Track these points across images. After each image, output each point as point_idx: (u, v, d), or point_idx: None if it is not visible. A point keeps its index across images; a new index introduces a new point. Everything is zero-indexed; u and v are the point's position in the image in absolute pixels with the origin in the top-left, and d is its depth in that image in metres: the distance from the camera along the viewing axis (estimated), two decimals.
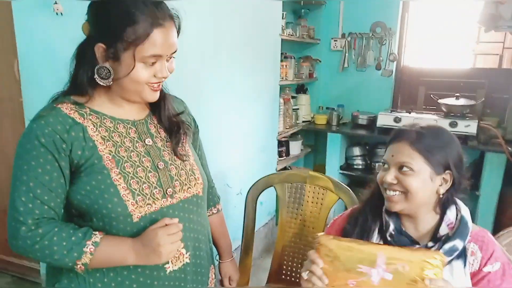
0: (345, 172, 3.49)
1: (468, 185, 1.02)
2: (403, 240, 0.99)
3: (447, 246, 0.94)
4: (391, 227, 1.01)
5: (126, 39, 0.85)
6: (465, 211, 1.00)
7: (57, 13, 1.72)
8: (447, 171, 0.97)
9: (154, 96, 0.97)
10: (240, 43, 2.44)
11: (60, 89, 0.97)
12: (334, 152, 3.44)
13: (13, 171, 0.89)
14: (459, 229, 0.96)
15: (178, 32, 0.95)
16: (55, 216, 0.91)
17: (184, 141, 1.06)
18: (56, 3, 1.71)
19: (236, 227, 1.80)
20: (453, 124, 2.94)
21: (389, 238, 1.01)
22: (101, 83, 0.91)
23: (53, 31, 1.77)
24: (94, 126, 0.93)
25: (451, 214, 0.98)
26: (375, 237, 1.03)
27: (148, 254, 0.91)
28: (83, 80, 0.91)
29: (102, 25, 0.88)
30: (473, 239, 0.98)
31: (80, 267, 0.88)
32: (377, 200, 1.06)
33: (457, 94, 3.11)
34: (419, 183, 0.94)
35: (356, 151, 3.51)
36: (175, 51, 0.94)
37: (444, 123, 2.96)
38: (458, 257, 0.95)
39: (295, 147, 3.40)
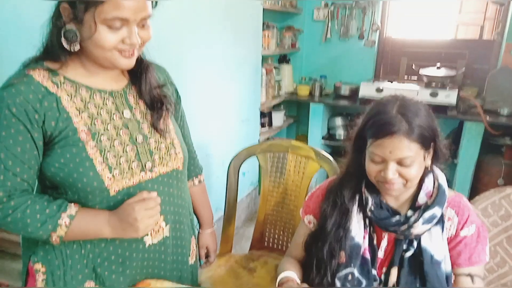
0: (327, 142, 3.51)
1: (448, 154, 1.02)
2: (383, 213, 0.99)
3: (426, 214, 0.95)
4: (371, 202, 1.00)
5: None
6: (442, 179, 1.01)
7: None
8: (431, 144, 0.97)
9: (128, 63, 0.90)
10: (221, 12, 2.37)
11: (31, 55, 0.91)
12: (317, 122, 3.45)
13: None
14: (437, 197, 0.97)
15: None
16: (28, 188, 0.88)
17: (166, 116, 1.02)
18: None
19: (219, 197, 1.80)
20: (433, 94, 2.98)
21: (369, 213, 1.01)
22: (67, 47, 0.85)
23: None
24: (68, 96, 0.88)
25: (429, 182, 0.99)
26: (355, 212, 1.02)
27: (125, 228, 0.89)
28: (54, 44, 0.86)
29: None
30: (450, 204, 1.00)
31: (55, 239, 0.87)
32: (355, 178, 1.04)
33: (438, 64, 3.13)
34: (417, 169, 0.94)
35: (338, 121, 3.53)
36: (147, 16, 0.87)
37: (425, 93, 2.99)
38: (436, 223, 0.97)
39: (278, 118, 3.39)
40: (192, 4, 2.06)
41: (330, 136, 3.58)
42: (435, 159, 0.99)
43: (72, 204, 0.89)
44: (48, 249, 0.92)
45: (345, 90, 3.43)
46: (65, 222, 0.86)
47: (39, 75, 0.86)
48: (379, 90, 3.11)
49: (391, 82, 3.24)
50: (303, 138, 3.62)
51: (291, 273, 1.02)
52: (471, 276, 0.96)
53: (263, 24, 2.96)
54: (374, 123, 0.95)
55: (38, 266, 0.93)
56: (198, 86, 2.23)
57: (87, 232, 0.89)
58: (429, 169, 0.99)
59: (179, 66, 2.01)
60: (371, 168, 0.96)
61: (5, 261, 2.26)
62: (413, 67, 3.25)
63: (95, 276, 0.94)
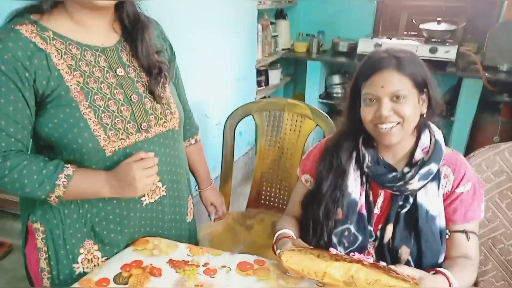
0: (324, 100, 3.49)
1: (443, 107, 1.01)
2: (380, 169, 1.00)
3: (423, 171, 0.96)
4: (368, 158, 1.00)
5: None
6: (439, 135, 1.01)
7: None
8: (425, 89, 0.96)
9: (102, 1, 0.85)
10: None
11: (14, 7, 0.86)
12: (314, 80, 3.41)
13: None
14: (434, 153, 0.97)
15: None
16: (23, 148, 0.87)
17: (164, 83, 1.00)
18: None
19: (216, 157, 1.80)
20: (433, 50, 2.92)
21: (366, 170, 1.01)
22: None
23: None
24: (58, 53, 0.85)
25: (425, 138, 0.99)
26: (352, 170, 1.02)
27: (123, 187, 0.90)
28: None
29: None
30: (447, 162, 1.01)
31: (53, 199, 0.87)
32: (352, 136, 1.04)
33: (439, 19, 3.05)
34: (412, 108, 0.93)
35: (336, 79, 3.48)
36: None
37: (425, 49, 2.93)
38: (432, 179, 0.98)
39: (275, 76, 3.34)
40: None
41: (327, 94, 3.55)
42: (430, 109, 0.98)
43: (69, 164, 0.88)
44: (46, 209, 0.93)
45: (343, 47, 3.35)
46: (63, 182, 0.86)
47: (26, 30, 0.83)
48: (378, 46, 3.04)
49: (390, 39, 3.17)
50: (300, 96, 3.58)
51: (287, 230, 1.04)
52: (466, 232, 0.97)
53: None
54: (364, 66, 0.97)
55: (37, 225, 0.94)
56: (192, 44, 2.17)
57: (85, 192, 0.90)
58: (425, 117, 0.98)
59: (172, 23, 1.94)
60: (366, 112, 0.96)
61: (6, 221, 2.30)
62: (413, 21, 3.17)
63: (94, 234, 0.96)
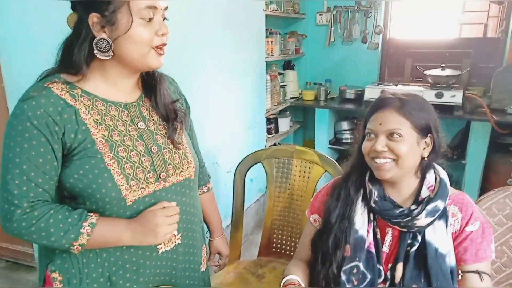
0: (334, 146, 3.52)
1: (448, 150, 1.05)
2: (387, 205, 1.02)
3: (429, 207, 0.98)
4: (375, 194, 1.03)
5: None
6: (444, 174, 1.04)
7: None
8: (429, 135, 1.00)
9: (160, 62, 0.95)
10: (223, 20, 2.41)
11: (42, 70, 0.94)
12: (323, 127, 3.46)
13: (4, 153, 0.87)
14: (439, 191, 0.99)
15: None
16: (48, 198, 0.90)
17: (180, 128, 1.06)
18: None
19: (227, 205, 1.82)
20: (439, 95, 2.97)
21: (373, 205, 1.03)
22: (101, 57, 0.89)
23: (30, 13, 1.73)
24: (86, 109, 0.91)
25: (430, 177, 1.01)
26: (359, 205, 1.05)
27: (145, 233, 0.92)
28: (80, 58, 0.89)
29: None
30: (453, 201, 1.02)
31: (77, 248, 0.89)
32: (359, 170, 1.08)
33: (443, 65, 3.13)
34: (408, 148, 0.97)
35: (345, 125, 3.53)
36: (166, 8, 0.93)
37: (430, 94, 2.98)
38: (440, 217, 0.99)
39: (284, 124, 3.40)
40: (195, 13, 2.10)
41: (337, 140, 3.59)
42: (433, 152, 1.01)
43: (92, 213, 0.91)
44: (65, 258, 0.95)
45: (350, 94, 3.44)
46: (86, 230, 0.89)
47: (57, 88, 0.89)
48: (384, 92, 3.11)
49: (396, 85, 3.24)
50: (310, 143, 3.62)
51: (295, 276, 1.03)
52: (479, 273, 0.96)
53: (266, 30, 2.99)
54: (372, 105, 1.04)
55: (55, 274, 0.95)
56: (204, 95, 2.26)
57: (107, 239, 0.92)
58: (426, 160, 1.01)
59: (184, 76, 2.04)
60: (365, 146, 1.02)
61: (20, 273, 2.31)
62: (418, 68, 3.25)
63: (110, 284, 0.96)
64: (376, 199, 1.03)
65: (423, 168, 1.02)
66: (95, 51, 0.89)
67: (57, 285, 0.95)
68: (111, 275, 0.96)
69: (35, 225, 0.87)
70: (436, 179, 1.02)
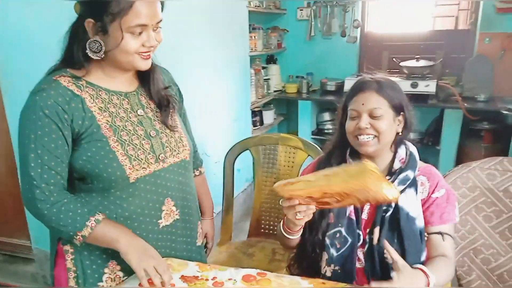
0: (317, 137, 3.66)
1: (416, 124, 1.18)
2: None
3: (401, 176, 1.12)
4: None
5: (112, 12, 0.93)
6: (413, 148, 1.19)
7: None
8: (401, 113, 1.14)
9: (146, 64, 1.04)
10: (208, 16, 2.51)
11: (38, 70, 1.04)
12: (306, 118, 3.61)
13: (20, 140, 0.98)
14: (409, 162, 1.14)
15: (162, 4, 1.03)
16: (61, 180, 1.00)
17: (172, 113, 1.16)
18: None
19: (217, 193, 1.92)
20: (414, 85, 3.14)
21: None
22: (93, 57, 0.98)
23: (27, 14, 1.80)
24: (91, 98, 1.02)
25: (402, 151, 1.16)
26: None
27: (137, 251, 0.99)
28: (78, 55, 0.99)
29: (89, 2, 0.96)
30: (422, 172, 1.17)
31: (79, 238, 0.99)
32: (340, 148, 1.21)
33: (417, 56, 3.30)
34: (387, 125, 1.10)
35: (326, 116, 3.68)
36: (160, 21, 1.01)
37: (406, 84, 3.14)
38: (410, 186, 1.13)
39: (268, 116, 3.54)
40: (180, 10, 2.19)
41: (319, 131, 3.74)
42: (406, 129, 1.16)
43: (100, 213, 1.01)
44: None
45: (331, 86, 3.58)
46: (91, 224, 0.99)
47: (64, 81, 0.99)
48: None
49: None
50: (294, 134, 3.75)
51: None
52: (441, 233, 1.10)
53: (249, 26, 3.11)
54: (352, 88, 1.17)
55: (67, 247, 1.07)
56: (191, 89, 2.35)
57: (106, 237, 1.01)
58: (401, 135, 1.15)
59: (172, 71, 2.14)
60: (349, 125, 1.14)
61: (18, 265, 2.38)
62: (394, 59, 3.41)
63: (117, 255, 1.05)
64: None
65: (397, 144, 1.16)
66: (88, 51, 0.98)
67: (69, 257, 1.06)
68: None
69: (49, 209, 0.97)
70: (406, 153, 1.16)
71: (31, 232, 2.26)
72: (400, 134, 1.16)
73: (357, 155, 1.19)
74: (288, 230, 1.12)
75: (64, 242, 1.07)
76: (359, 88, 1.14)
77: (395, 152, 1.16)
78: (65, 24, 1.01)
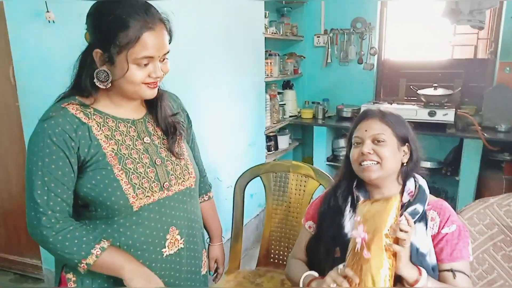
0: (331, 163, 3.62)
1: (422, 155, 1.18)
2: None
3: (409, 209, 1.09)
4: (362, 199, 1.15)
5: (119, 44, 0.94)
6: (422, 182, 1.16)
7: (49, 21, 1.82)
8: (406, 144, 1.15)
9: (152, 93, 1.05)
10: (224, 43, 2.55)
11: (55, 93, 1.06)
12: (321, 144, 3.58)
13: (28, 166, 0.98)
14: (418, 196, 1.12)
15: (170, 35, 1.04)
16: (67, 207, 1.00)
17: (179, 140, 1.16)
18: (48, 11, 1.81)
19: (228, 219, 1.91)
20: (431, 113, 3.08)
21: None
22: (100, 86, 1.00)
23: (45, 38, 1.86)
24: (98, 125, 1.02)
25: (410, 184, 1.14)
26: (347, 211, 1.16)
27: (142, 276, 1.01)
28: (86, 83, 1.01)
29: (97, 33, 0.98)
30: (433, 207, 1.13)
31: (83, 266, 0.98)
32: (347, 180, 1.20)
33: (435, 85, 3.26)
34: (390, 152, 1.11)
35: (342, 142, 3.64)
36: (167, 52, 1.02)
37: (424, 113, 3.10)
38: (420, 220, 1.09)
39: (283, 141, 3.52)
40: (196, 35, 2.24)
41: (334, 157, 3.69)
42: (411, 161, 1.15)
43: (105, 240, 1.01)
44: None
45: (347, 112, 3.56)
46: (96, 252, 0.99)
47: (72, 108, 1.01)
48: None
49: (391, 104, 3.37)
50: (309, 160, 3.73)
51: (313, 272, 1.13)
52: (452, 271, 1.05)
53: (265, 52, 3.14)
54: (357, 118, 1.19)
55: (70, 275, 1.06)
56: (206, 113, 2.38)
57: (111, 265, 1.00)
58: (406, 166, 1.15)
59: (188, 96, 2.15)
60: (353, 152, 1.14)
61: (28, 285, 2.39)
62: (411, 87, 3.38)
63: (119, 284, 1.04)
64: None
65: (404, 176, 1.15)
66: (95, 80, 0.99)
67: (71, 285, 1.05)
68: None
69: (55, 236, 0.97)
70: (416, 186, 1.14)
71: (42, 253, 2.27)
72: (405, 164, 1.15)
73: (364, 188, 1.16)
74: None
75: (66, 270, 1.06)
76: (362, 116, 1.18)
77: (404, 185, 1.14)
78: (81, 48, 1.03)
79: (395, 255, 0.97)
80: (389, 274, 0.95)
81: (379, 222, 0.99)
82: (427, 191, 1.14)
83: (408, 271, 0.98)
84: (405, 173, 1.15)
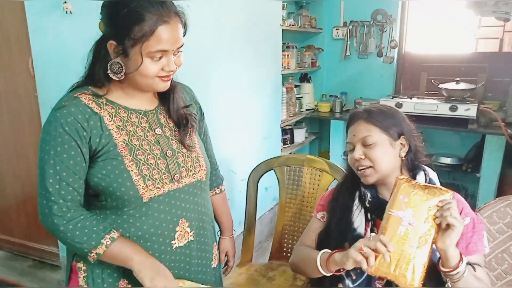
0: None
1: (424, 149, 1.15)
2: (381, 203, 1.09)
3: None
4: (368, 195, 1.13)
5: (133, 37, 0.94)
6: (433, 175, 1.13)
7: (66, 12, 1.83)
8: (402, 137, 1.11)
9: (165, 86, 1.05)
10: (241, 35, 2.53)
11: (72, 83, 1.06)
12: (338, 138, 3.53)
13: (40, 155, 0.99)
14: None
15: (185, 28, 1.03)
16: (78, 196, 1.01)
17: (191, 132, 1.16)
18: (65, 2, 1.82)
19: (241, 212, 1.91)
20: (453, 108, 3.00)
21: (368, 205, 1.13)
22: (114, 77, 1.00)
23: (63, 29, 1.88)
24: (110, 116, 1.02)
25: (420, 178, 1.11)
26: (356, 207, 1.15)
27: (152, 268, 1.00)
28: (100, 74, 1.01)
29: (112, 24, 0.97)
30: None
31: (93, 255, 0.99)
32: (352, 176, 1.18)
33: (458, 79, 3.16)
34: (381, 153, 1.08)
35: None
36: (181, 45, 1.01)
37: (445, 108, 3.02)
38: None
39: (300, 135, 3.49)
40: (213, 27, 2.23)
41: None
42: (410, 152, 1.12)
43: (115, 230, 1.02)
44: None
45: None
46: (106, 242, 0.99)
47: (85, 98, 1.01)
48: (398, 105, 3.16)
49: (411, 98, 3.29)
50: (325, 154, 3.69)
51: (326, 250, 1.11)
52: (470, 264, 1.01)
53: (283, 44, 3.11)
54: (346, 123, 1.17)
55: (80, 264, 1.07)
56: (222, 105, 2.37)
57: (120, 255, 1.01)
58: (405, 159, 1.11)
59: (202, 88, 2.16)
60: (349, 158, 1.14)
61: (46, 271, 2.44)
62: (432, 81, 3.29)
63: (128, 275, 1.05)
64: (370, 199, 1.13)
65: (408, 168, 1.12)
66: (109, 72, 0.99)
67: (81, 274, 1.06)
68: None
69: (65, 225, 0.98)
70: (426, 179, 1.11)
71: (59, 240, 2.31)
72: (404, 159, 1.11)
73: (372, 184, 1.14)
74: (330, 269, 1.06)
75: (77, 259, 1.07)
76: (349, 121, 1.16)
77: (414, 179, 1.10)
78: (97, 39, 1.03)
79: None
80: (426, 263, 0.94)
81: (425, 211, 0.96)
82: (438, 184, 1.11)
83: (454, 251, 0.94)
84: (408, 165, 1.12)
